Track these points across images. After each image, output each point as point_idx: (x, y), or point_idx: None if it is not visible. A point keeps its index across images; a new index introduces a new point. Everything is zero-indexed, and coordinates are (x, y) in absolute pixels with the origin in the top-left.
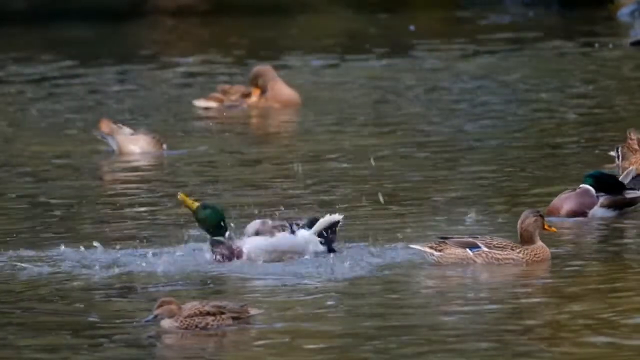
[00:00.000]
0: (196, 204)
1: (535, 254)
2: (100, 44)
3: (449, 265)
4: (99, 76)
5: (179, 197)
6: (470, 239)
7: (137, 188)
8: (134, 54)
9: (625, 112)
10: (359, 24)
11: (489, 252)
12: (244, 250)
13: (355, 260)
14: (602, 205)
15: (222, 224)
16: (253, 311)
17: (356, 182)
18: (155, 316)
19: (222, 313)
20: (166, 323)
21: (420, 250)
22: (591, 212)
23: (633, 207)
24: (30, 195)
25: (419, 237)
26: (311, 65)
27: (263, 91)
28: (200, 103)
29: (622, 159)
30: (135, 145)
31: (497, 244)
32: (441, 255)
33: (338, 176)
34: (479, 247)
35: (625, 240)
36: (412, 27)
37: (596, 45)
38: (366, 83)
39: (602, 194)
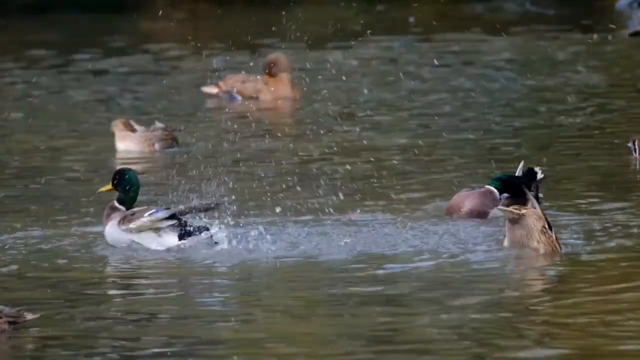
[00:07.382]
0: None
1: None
2: (100, 35)
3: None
4: (100, 68)
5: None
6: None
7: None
8: (134, 45)
9: (627, 103)
10: (358, 15)
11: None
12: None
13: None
14: (504, 205)
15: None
16: (29, 316)
17: (354, 177)
18: None
19: None
20: None
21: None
22: (492, 212)
23: None
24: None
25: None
26: (309, 56)
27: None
28: (206, 89)
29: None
30: (122, 144)
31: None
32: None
33: (336, 170)
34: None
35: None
36: (412, 19)
37: (595, 36)
38: (365, 75)
39: (507, 195)
